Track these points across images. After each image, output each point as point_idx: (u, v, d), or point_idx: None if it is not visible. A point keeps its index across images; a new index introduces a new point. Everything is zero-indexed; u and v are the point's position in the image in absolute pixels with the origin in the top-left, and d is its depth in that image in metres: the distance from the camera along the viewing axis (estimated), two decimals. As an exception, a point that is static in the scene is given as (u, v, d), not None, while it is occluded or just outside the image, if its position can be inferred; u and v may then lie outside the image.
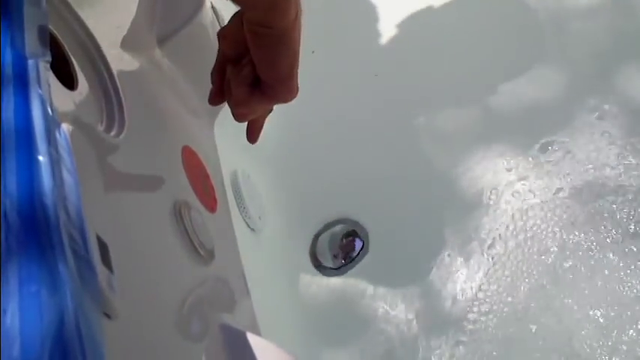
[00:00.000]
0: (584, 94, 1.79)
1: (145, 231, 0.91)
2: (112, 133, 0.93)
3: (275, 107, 1.00)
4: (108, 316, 0.64)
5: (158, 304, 0.84)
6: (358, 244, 1.65)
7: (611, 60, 1.82)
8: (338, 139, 1.79)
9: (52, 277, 0.58)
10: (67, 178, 0.67)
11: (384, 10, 2.03)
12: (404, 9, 2.02)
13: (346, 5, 2.07)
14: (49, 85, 0.73)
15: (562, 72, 1.85)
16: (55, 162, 0.66)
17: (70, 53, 0.91)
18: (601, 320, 1.43)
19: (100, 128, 0.91)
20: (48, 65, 0.75)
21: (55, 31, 0.89)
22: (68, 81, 0.88)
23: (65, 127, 0.72)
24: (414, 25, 2.00)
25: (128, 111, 0.98)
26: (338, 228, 1.67)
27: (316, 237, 1.67)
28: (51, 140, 0.67)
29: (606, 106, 1.74)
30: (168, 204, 1.00)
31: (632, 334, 1.40)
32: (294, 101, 0.93)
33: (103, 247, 0.67)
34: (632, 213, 1.58)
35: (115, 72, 1.00)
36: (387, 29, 2.00)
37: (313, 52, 1.86)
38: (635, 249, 1.53)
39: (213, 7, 1.51)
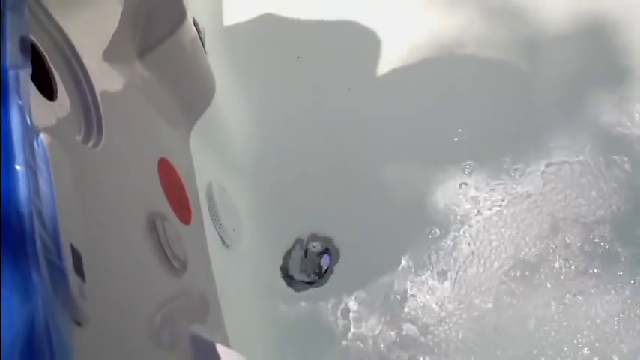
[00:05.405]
0: (554, 117, 1.84)
1: (119, 241, 0.92)
2: (90, 144, 0.94)
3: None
4: (79, 323, 0.65)
5: (130, 313, 0.85)
6: (329, 259, 1.68)
7: (581, 84, 1.88)
8: (314, 154, 1.81)
9: (24, 285, 0.59)
10: (44, 187, 0.68)
11: (364, 24, 2.05)
12: (381, 27, 2.05)
13: (332, 17, 2.07)
14: (29, 96, 0.74)
15: (533, 96, 1.90)
16: (32, 171, 0.67)
17: (50, 64, 0.92)
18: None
19: (78, 139, 0.93)
20: (28, 76, 0.77)
21: (36, 42, 0.90)
22: (48, 91, 0.89)
23: (43, 137, 0.73)
24: (393, 45, 2.03)
25: (106, 122, 0.99)
26: (310, 243, 1.70)
27: (288, 252, 1.69)
28: (29, 150, 0.69)
29: (575, 129, 1.80)
30: (142, 215, 1.02)
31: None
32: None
33: (77, 256, 0.69)
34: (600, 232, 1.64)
35: (95, 83, 1.01)
36: (369, 46, 2.03)
37: (298, 57, 1.86)
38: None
39: (195, 22, 1.53)
